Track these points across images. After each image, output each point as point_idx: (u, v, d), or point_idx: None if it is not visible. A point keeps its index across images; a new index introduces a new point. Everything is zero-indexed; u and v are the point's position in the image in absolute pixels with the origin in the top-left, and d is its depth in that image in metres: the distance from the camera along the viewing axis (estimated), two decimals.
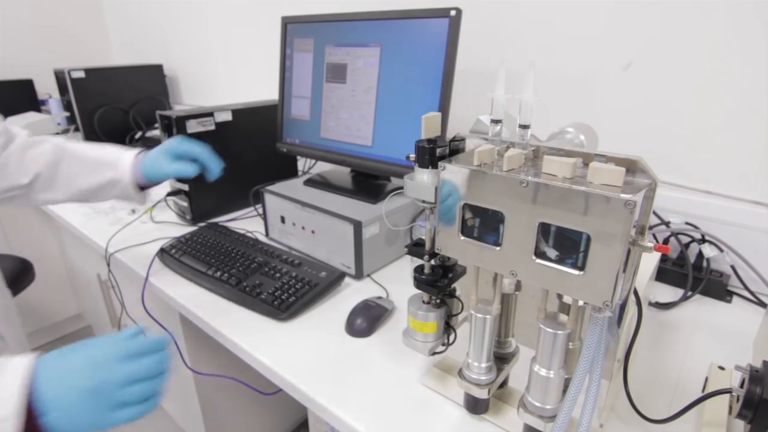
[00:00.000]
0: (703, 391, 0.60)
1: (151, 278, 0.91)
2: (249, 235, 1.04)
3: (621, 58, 0.90)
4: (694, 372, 0.65)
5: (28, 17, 2.08)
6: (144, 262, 0.94)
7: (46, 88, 1.98)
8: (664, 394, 0.62)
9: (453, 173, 0.47)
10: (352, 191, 1.02)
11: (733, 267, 0.86)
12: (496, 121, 0.49)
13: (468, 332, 0.55)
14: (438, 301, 0.58)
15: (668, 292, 0.86)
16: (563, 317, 0.49)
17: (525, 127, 0.47)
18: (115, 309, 1.35)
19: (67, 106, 1.75)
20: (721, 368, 0.63)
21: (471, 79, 0.99)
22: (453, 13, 0.83)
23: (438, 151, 0.50)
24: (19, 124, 1.13)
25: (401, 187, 0.54)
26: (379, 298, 0.81)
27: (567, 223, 0.41)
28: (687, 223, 0.89)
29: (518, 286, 0.57)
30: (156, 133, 1.76)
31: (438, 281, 0.56)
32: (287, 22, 1.12)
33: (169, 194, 1.15)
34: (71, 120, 1.75)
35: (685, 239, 0.89)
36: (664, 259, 0.91)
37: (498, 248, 0.46)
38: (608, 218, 0.39)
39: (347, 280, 0.90)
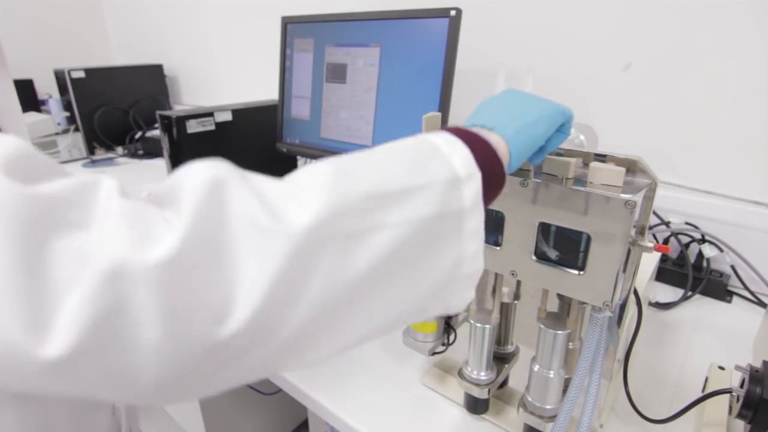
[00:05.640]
0: (703, 391, 0.60)
1: None
2: None
3: (621, 59, 0.90)
4: (694, 372, 0.65)
5: (28, 17, 2.08)
6: None
7: (46, 88, 1.98)
8: (664, 394, 0.62)
9: None
10: None
11: (733, 267, 0.86)
12: None
13: (468, 332, 0.55)
14: None
15: (668, 292, 0.86)
16: (563, 317, 0.49)
17: None
18: None
19: (67, 106, 1.75)
20: (721, 368, 0.63)
21: (471, 79, 0.99)
22: (453, 13, 0.83)
23: None
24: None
25: None
26: None
27: (567, 223, 0.41)
28: (687, 223, 0.89)
29: (517, 295, 0.57)
30: (156, 133, 1.76)
31: None
32: (287, 22, 1.12)
33: None
34: (71, 120, 1.75)
35: (685, 239, 0.89)
36: (664, 259, 0.90)
37: (498, 248, 0.46)
38: (608, 218, 0.39)
39: None
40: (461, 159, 0.33)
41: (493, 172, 0.35)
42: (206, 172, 0.26)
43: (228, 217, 0.26)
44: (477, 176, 0.33)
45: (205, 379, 0.26)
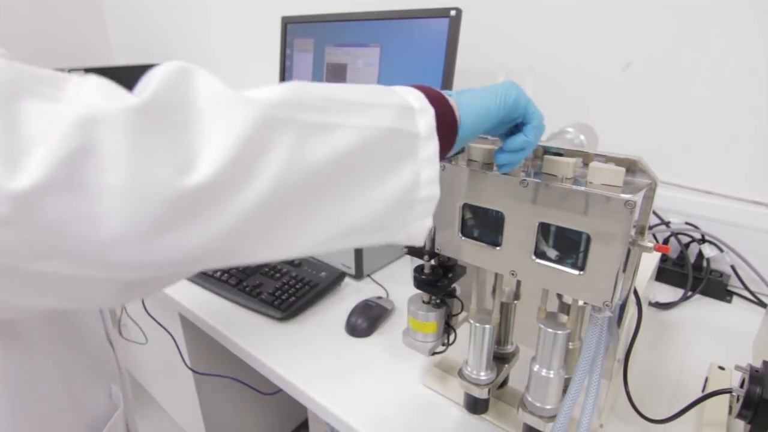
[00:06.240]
0: (703, 391, 0.60)
1: None
2: None
3: (621, 58, 0.90)
4: (694, 372, 0.65)
5: (28, 17, 2.08)
6: None
7: None
8: (664, 394, 0.62)
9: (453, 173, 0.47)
10: None
11: (733, 267, 0.86)
12: None
13: (468, 332, 0.55)
14: (438, 301, 0.58)
15: (668, 292, 0.86)
16: (563, 317, 0.49)
17: None
18: (114, 309, 1.35)
19: None
20: (721, 368, 0.63)
21: (471, 79, 0.99)
22: (453, 13, 0.83)
23: None
24: None
25: None
26: (379, 298, 0.81)
27: (567, 223, 0.41)
28: (687, 223, 0.89)
29: (517, 295, 0.57)
30: None
31: (438, 281, 0.56)
32: (287, 22, 1.12)
33: None
34: None
35: (685, 239, 0.89)
36: (664, 259, 0.91)
37: (498, 248, 0.46)
38: (608, 218, 0.39)
39: (347, 280, 0.90)
40: (415, 96, 0.35)
41: (445, 116, 0.36)
42: (173, 63, 0.29)
43: (194, 87, 0.28)
44: (430, 111, 0.35)
45: (169, 240, 0.26)
